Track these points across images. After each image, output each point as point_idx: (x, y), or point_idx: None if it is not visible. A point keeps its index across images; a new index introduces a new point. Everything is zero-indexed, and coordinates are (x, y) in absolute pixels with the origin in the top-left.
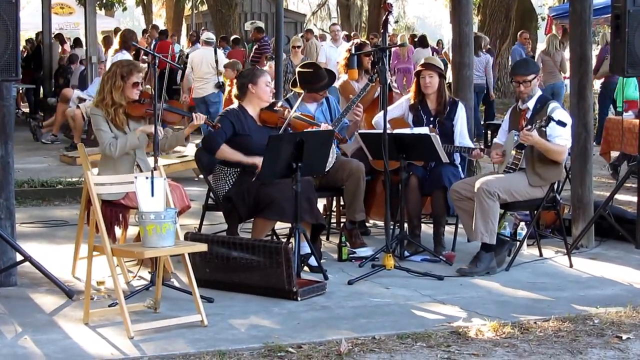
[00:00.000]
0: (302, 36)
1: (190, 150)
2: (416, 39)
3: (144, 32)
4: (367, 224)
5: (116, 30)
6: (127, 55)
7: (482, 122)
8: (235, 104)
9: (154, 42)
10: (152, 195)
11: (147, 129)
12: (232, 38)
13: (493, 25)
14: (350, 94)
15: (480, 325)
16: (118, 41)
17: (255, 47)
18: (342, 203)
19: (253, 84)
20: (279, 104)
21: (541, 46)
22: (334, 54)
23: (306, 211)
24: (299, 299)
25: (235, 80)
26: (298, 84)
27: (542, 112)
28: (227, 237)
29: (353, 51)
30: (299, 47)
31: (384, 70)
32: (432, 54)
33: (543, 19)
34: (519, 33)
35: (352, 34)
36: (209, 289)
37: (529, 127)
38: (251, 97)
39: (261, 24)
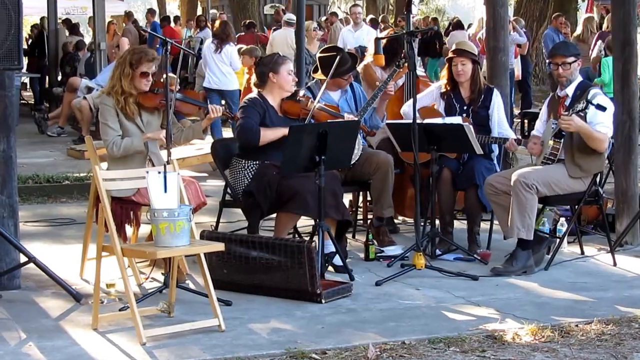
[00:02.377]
0: (325, 20)
1: (206, 142)
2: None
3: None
4: (395, 221)
5: (128, 14)
6: None
7: (515, 112)
8: (254, 93)
9: (149, 28)
10: (165, 191)
11: (155, 135)
12: (246, 22)
13: (530, 6)
14: (371, 79)
15: (517, 328)
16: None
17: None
18: (368, 198)
19: (274, 72)
20: (301, 93)
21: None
22: (352, 39)
23: (331, 207)
24: (323, 301)
25: (254, 68)
26: (320, 70)
27: (582, 99)
28: (246, 236)
29: (378, 35)
30: (314, 31)
31: (412, 56)
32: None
33: (583, 0)
34: (553, 16)
35: (379, 18)
36: (226, 291)
37: (567, 112)
38: (272, 87)
39: (282, 7)
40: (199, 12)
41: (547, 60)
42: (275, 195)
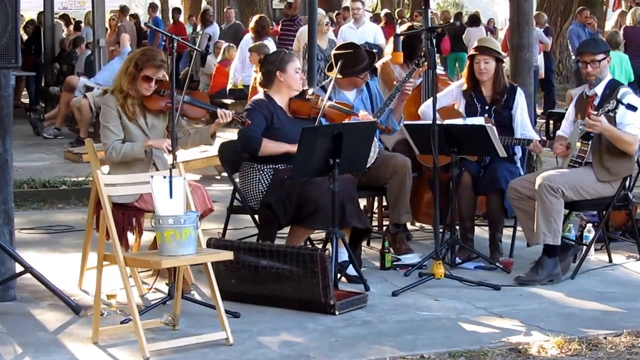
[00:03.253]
0: (337, 14)
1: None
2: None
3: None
4: (411, 227)
5: (123, 8)
6: None
7: (538, 111)
8: (260, 93)
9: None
10: (171, 197)
11: (158, 144)
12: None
13: (554, 0)
14: (389, 79)
15: (542, 341)
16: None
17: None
18: (384, 203)
19: (281, 70)
20: (310, 91)
21: (609, 25)
22: (354, 37)
23: (352, 214)
24: (336, 313)
25: (259, 66)
26: (334, 68)
27: (611, 98)
28: (255, 244)
29: (397, 31)
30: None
31: (432, 53)
32: (486, 34)
33: None
34: (577, 10)
35: (395, 12)
36: (234, 302)
37: (596, 112)
38: (279, 86)
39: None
40: (204, 6)
41: (575, 58)
42: (295, 208)
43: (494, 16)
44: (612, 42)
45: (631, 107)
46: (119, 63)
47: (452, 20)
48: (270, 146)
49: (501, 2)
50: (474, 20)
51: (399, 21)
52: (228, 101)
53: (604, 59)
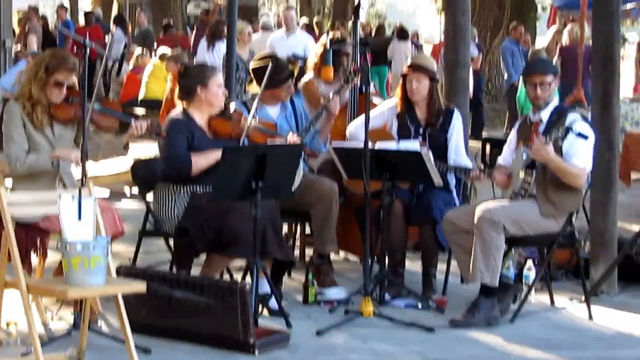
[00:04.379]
0: (256, 23)
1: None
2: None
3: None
4: (333, 257)
5: (33, 9)
6: None
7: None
8: (178, 110)
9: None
10: (80, 219)
11: (65, 155)
12: (166, 23)
13: (483, 14)
14: (314, 97)
15: None
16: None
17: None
18: (307, 231)
19: (202, 86)
20: (232, 108)
21: (544, 42)
22: (284, 47)
23: (275, 244)
24: (256, 352)
25: (178, 79)
26: (255, 82)
27: (558, 124)
28: (170, 273)
29: (329, 45)
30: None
31: (366, 69)
32: (412, 49)
33: (544, 9)
34: (512, 25)
35: (314, 22)
36: (145, 335)
37: (544, 138)
38: (199, 103)
39: (208, 7)
40: (115, 9)
41: (522, 79)
42: (214, 236)
43: (417, 29)
44: None
45: (582, 136)
46: (25, 66)
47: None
48: (200, 161)
49: (425, 14)
50: (402, 33)
51: (317, 32)
52: (140, 111)
53: (553, 80)
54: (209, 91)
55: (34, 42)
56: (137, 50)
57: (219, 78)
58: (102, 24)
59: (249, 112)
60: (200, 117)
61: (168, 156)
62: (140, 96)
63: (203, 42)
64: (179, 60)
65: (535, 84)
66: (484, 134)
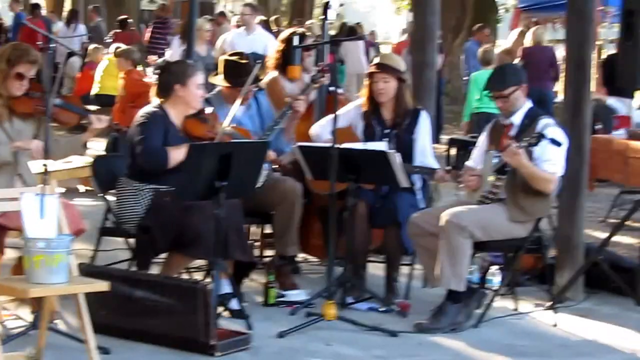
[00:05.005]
0: (211, 20)
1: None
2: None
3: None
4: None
5: None
6: None
7: None
8: (154, 104)
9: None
10: (42, 216)
11: (26, 145)
12: (122, 19)
13: (445, 15)
14: (278, 97)
15: None
16: None
17: (152, 27)
18: (267, 231)
19: (181, 84)
20: (208, 110)
21: (506, 44)
22: (243, 45)
23: (236, 245)
24: (217, 354)
25: (158, 76)
26: (222, 75)
27: (530, 129)
28: (130, 272)
29: (296, 42)
30: (207, 32)
31: (335, 70)
32: (367, 49)
33: (507, 11)
34: (476, 27)
35: (270, 19)
36: (104, 335)
37: (518, 143)
38: (176, 101)
39: (164, 2)
40: (68, 4)
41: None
42: (176, 235)
43: (372, 27)
44: (484, 60)
45: (555, 143)
46: None
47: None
48: (175, 154)
49: (381, 14)
50: (351, 32)
51: (275, 30)
52: (93, 107)
53: (515, 90)
54: (187, 90)
55: None
56: (91, 45)
57: (199, 78)
58: (45, 18)
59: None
60: (176, 115)
61: (145, 149)
62: (94, 92)
63: (176, 40)
64: (130, 57)
65: (495, 97)
66: (443, 137)
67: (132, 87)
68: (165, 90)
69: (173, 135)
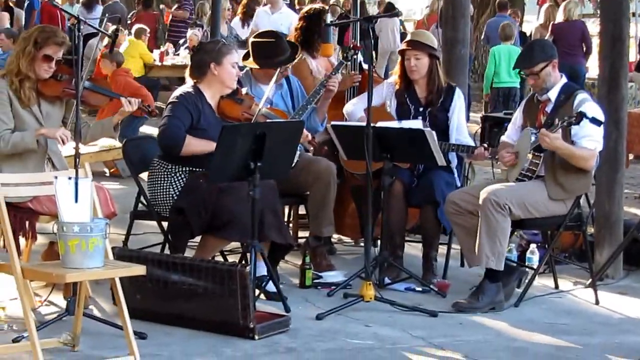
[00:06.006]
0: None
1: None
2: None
3: None
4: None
5: None
6: None
7: None
8: (189, 85)
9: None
10: (76, 201)
11: (50, 134)
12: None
13: None
14: (307, 76)
15: None
16: None
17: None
18: (301, 212)
19: (217, 63)
20: (244, 91)
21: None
22: (266, 23)
23: (272, 227)
24: (256, 337)
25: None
26: (250, 57)
27: (567, 105)
28: (166, 256)
29: (329, 20)
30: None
31: (369, 46)
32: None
33: None
34: (502, 2)
35: None
36: (139, 320)
37: (552, 126)
38: (212, 81)
39: None
40: None
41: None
42: (210, 217)
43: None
44: (503, 35)
45: (596, 122)
46: None
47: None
48: (194, 144)
49: None
50: (389, 9)
51: (298, 7)
52: None
53: (545, 66)
54: (222, 69)
55: (6, 19)
56: (112, 25)
57: (235, 56)
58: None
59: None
60: (211, 96)
61: (164, 128)
62: None
63: (237, 20)
64: (114, 59)
65: (526, 75)
66: (471, 115)
67: (122, 90)
68: (200, 69)
69: (208, 116)
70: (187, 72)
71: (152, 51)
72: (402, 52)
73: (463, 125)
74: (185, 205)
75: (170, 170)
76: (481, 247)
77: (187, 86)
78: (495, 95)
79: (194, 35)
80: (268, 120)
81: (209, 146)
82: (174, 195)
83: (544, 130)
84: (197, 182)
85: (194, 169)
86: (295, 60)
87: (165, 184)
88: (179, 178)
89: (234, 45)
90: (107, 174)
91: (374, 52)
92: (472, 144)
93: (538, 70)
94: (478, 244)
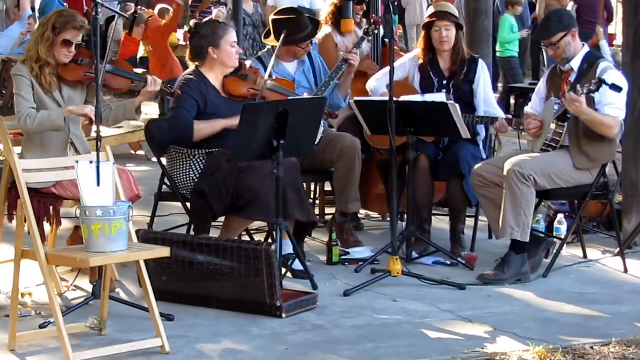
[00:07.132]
0: None
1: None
2: None
3: None
4: (359, 216)
5: None
6: None
7: None
8: (191, 70)
9: None
10: (98, 185)
11: (79, 110)
12: None
13: None
14: (332, 52)
15: (522, 351)
16: None
17: None
18: (327, 188)
19: (214, 47)
20: (248, 64)
21: None
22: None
23: (295, 205)
24: (283, 315)
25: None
26: (272, 35)
27: (590, 74)
28: (191, 237)
29: None
30: None
31: (390, 21)
32: None
33: None
34: None
35: None
36: (166, 302)
37: (577, 90)
38: (212, 63)
39: None
40: None
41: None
42: (232, 197)
43: None
44: (509, 3)
45: (616, 88)
46: (19, 28)
47: None
48: (204, 128)
49: None
50: None
51: None
52: (139, 71)
53: (564, 37)
54: (221, 51)
55: (28, 4)
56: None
57: (232, 36)
58: None
59: (265, 67)
60: (214, 78)
61: (172, 119)
62: (140, 54)
63: None
64: (139, 23)
65: (545, 46)
66: (499, 85)
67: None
68: (199, 54)
69: (214, 98)
70: (186, 55)
71: (176, 31)
72: (428, 25)
73: (490, 96)
74: (206, 188)
75: (187, 154)
76: (506, 218)
77: (190, 72)
78: (500, 64)
79: (220, 12)
80: (290, 98)
81: (217, 125)
82: (194, 178)
83: (571, 93)
84: (217, 162)
85: (210, 150)
86: (318, 36)
87: (185, 168)
88: (198, 160)
89: (230, 24)
90: (133, 154)
91: (401, 26)
92: (502, 114)
93: (556, 40)
94: (502, 215)
